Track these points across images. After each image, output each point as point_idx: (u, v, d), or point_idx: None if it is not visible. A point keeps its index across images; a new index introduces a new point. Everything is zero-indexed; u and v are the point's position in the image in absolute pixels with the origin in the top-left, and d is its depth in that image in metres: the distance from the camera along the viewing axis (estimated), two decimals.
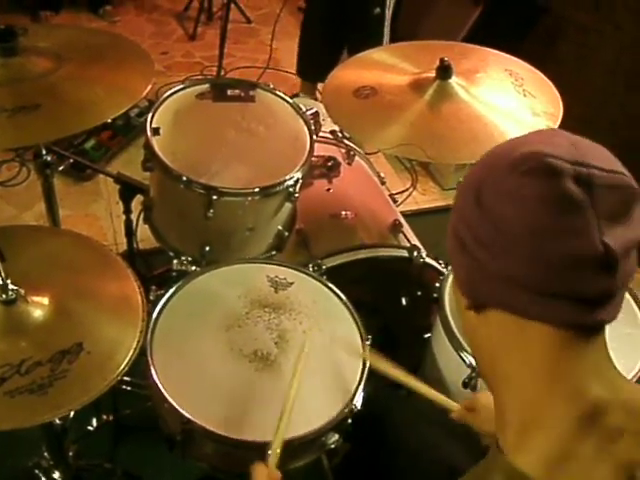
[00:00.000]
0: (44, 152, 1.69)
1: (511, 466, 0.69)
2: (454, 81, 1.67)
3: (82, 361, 1.07)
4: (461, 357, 1.49)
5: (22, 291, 1.10)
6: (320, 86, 3.20)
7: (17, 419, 1.01)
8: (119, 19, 3.98)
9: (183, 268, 1.74)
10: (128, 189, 1.94)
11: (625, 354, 1.48)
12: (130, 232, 2.03)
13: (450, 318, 1.54)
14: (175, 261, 1.67)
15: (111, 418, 1.86)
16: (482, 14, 2.94)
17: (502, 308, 0.73)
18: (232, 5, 3.69)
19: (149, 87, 1.35)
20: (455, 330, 1.52)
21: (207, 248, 1.65)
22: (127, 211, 2.00)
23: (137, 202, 1.95)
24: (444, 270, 1.82)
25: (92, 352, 1.09)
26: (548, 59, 2.08)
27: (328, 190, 1.97)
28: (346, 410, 1.30)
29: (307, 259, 1.75)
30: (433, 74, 1.68)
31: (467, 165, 3.01)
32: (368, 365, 1.37)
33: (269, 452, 1.13)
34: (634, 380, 1.45)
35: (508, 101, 1.66)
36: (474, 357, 0.76)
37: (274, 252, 1.77)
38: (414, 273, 1.87)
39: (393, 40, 2.84)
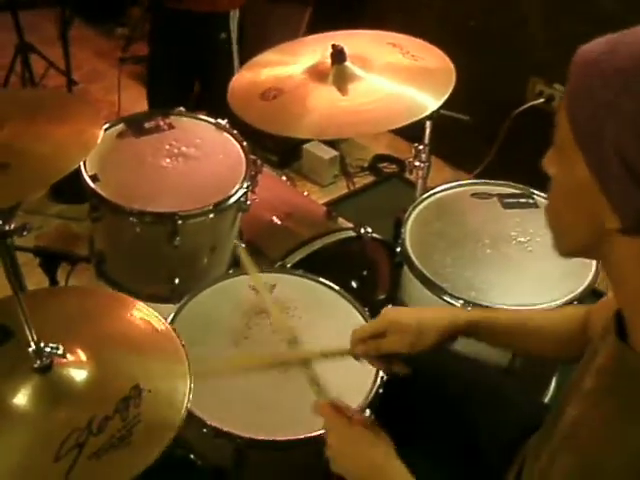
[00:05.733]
0: None
1: None
2: (349, 64, 1.76)
3: (148, 400, 1.03)
4: (443, 300, 1.56)
5: (60, 349, 1.03)
6: None
7: (116, 477, 0.95)
8: None
9: None
10: (49, 260, 1.85)
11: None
12: None
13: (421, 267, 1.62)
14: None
15: None
16: (313, 12, 3.11)
17: None
18: (53, 71, 3.57)
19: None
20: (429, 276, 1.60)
21: (177, 280, 1.61)
22: (53, 284, 1.89)
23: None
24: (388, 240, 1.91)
25: (152, 389, 1.05)
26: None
27: (255, 200, 1.99)
28: (377, 383, 1.33)
29: (269, 264, 1.76)
30: (328, 60, 1.75)
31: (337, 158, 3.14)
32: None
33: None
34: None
35: (404, 68, 1.78)
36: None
37: (231, 271, 1.76)
38: (358, 252, 1.94)
39: (243, 59, 2.89)
